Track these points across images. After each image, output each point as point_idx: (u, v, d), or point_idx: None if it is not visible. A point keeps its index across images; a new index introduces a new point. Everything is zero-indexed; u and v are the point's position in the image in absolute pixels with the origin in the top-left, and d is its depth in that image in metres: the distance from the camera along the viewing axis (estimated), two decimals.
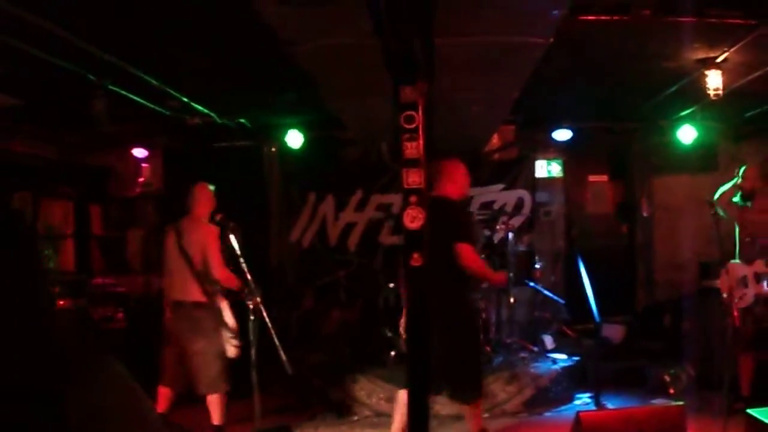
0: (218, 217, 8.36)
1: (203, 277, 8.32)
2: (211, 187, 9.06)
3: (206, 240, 8.57)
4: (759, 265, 8.75)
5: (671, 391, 10.06)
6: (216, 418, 8.43)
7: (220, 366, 8.35)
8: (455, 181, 8.40)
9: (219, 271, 8.46)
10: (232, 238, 7.87)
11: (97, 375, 2.11)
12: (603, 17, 7.53)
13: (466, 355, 8.09)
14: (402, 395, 7.82)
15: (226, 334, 8.30)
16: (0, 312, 2.01)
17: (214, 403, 8.43)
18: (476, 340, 8.60)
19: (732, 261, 8.91)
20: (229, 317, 8.50)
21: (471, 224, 8.84)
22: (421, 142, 6.71)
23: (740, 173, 9.10)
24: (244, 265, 7.81)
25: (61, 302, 9.98)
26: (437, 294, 7.52)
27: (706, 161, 13.87)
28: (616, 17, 7.56)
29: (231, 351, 8.35)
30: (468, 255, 7.92)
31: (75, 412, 1.98)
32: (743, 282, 8.73)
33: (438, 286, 7.56)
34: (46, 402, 1.98)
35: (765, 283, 8.67)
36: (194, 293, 8.38)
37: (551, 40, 7.37)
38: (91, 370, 2.11)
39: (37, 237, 2.34)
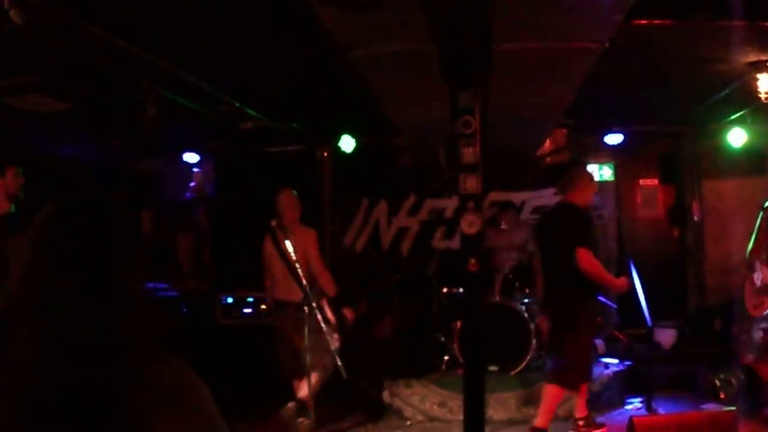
0: (273, 223, 8.41)
1: (306, 278, 8.42)
2: (294, 193, 9.34)
3: (307, 242, 8.97)
4: None
5: (722, 395, 10.00)
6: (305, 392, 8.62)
7: (328, 359, 8.47)
8: (582, 189, 8.77)
9: (321, 272, 9.05)
10: (287, 243, 7.90)
11: (165, 375, 2.16)
12: (656, 22, 7.51)
13: (580, 349, 8.49)
14: (547, 388, 8.60)
15: (328, 329, 8.39)
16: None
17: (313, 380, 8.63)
18: (591, 337, 9.13)
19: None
20: (329, 313, 8.87)
21: (591, 230, 8.97)
22: (478, 147, 6.73)
23: None
24: (299, 271, 7.85)
25: None
26: (561, 292, 8.35)
27: (756, 165, 13.75)
28: (669, 21, 7.54)
29: (335, 344, 8.48)
30: (586, 259, 8.21)
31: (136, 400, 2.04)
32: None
33: (561, 285, 8.32)
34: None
35: None
36: (297, 294, 8.47)
37: (606, 45, 7.37)
38: (160, 369, 2.16)
39: (136, 234, 2.40)
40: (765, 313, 8.44)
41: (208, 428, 2.19)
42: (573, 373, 8.55)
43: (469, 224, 6.85)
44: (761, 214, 8.75)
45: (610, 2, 6.26)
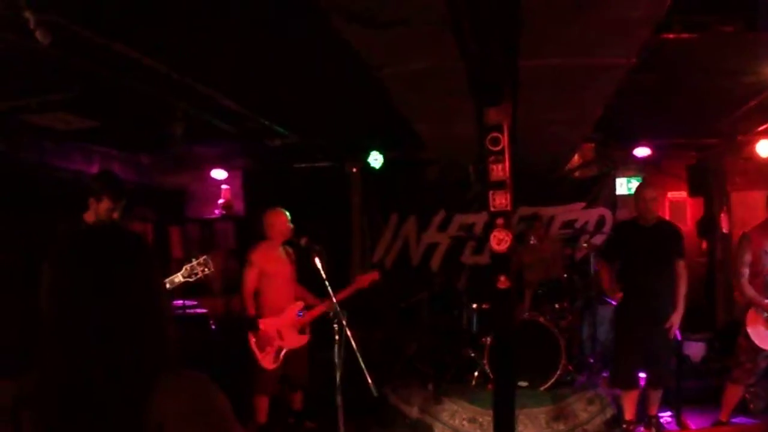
0: (303, 241, 8.43)
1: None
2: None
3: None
4: None
5: (752, 408, 9.95)
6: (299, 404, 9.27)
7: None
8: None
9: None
10: (317, 260, 7.91)
11: (185, 386, 2.21)
12: (684, 35, 7.48)
13: (671, 351, 8.90)
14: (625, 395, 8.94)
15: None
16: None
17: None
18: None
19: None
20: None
21: (609, 241, 10.00)
22: (507, 164, 6.74)
23: None
24: (329, 288, 7.86)
25: None
26: (666, 293, 8.61)
27: None
28: (696, 35, 7.51)
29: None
30: (686, 270, 8.76)
31: (155, 412, 2.09)
32: None
33: (663, 293, 8.60)
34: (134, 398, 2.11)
35: None
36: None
37: (634, 60, 7.36)
38: (180, 380, 2.21)
39: (154, 256, 2.45)
40: None
41: None
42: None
43: (499, 241, 6.86)
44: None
45: (638, 18, 6.25)
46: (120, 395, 2.11)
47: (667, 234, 8.90)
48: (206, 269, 7.26)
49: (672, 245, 8.84)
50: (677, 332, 8.73)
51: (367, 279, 9.20)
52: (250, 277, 9.13)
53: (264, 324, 9.00)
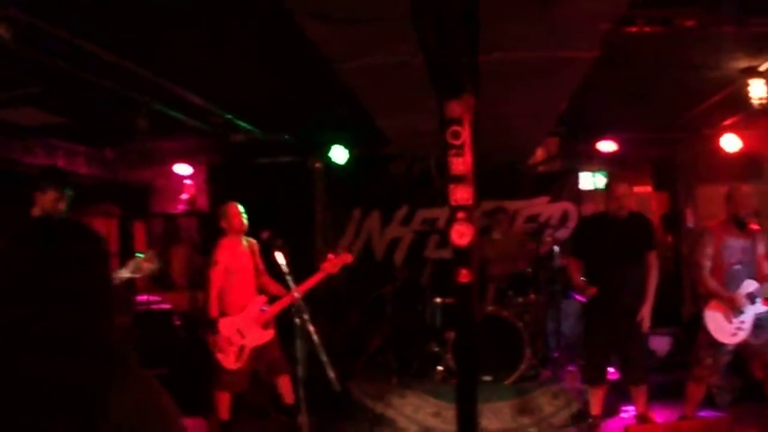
0: (265, 235, 8.40)
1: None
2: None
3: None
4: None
5: (718, 402, 9.99)
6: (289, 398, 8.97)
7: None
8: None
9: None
10: (278, 255, 7.87)
11: (134, 388, 2.18)
12: (647, 29, 7.50)
13: (646, 345, 9.06)
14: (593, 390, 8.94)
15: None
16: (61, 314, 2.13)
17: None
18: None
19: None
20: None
21: (576, 237, 9.72)
22: (468, 157, 6.72)
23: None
24: (291, 283, 7.83)
25: None
26: (637, 287, 8.58)
27: (750, 170, 13.76)
28: (659, 29, 7.52)
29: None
30: (657, 262, 8.83)
31: (112, 415, 2.06)
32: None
33: (634, 287, 8.58)
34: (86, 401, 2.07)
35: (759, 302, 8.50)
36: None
37: (596, 53, 7.37)
38: (130, 381, 2.18)
39: (106, 252, 2.40)
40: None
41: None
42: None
43: (460, 235, 6.83)
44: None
45: (599, 11, 6.26)
46: (70, 398, 2.07)
47: (638, 226, 8.91)
48: (152, 265, 7.15)
49: (643, 237, 8.86)
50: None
51: (337, 263, 9.14)
52: (216, 277, 9.03)
53: (223, 324, 8.89)
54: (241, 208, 9.23)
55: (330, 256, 9.10)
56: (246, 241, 9.27)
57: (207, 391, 9.17)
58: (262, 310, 9.03)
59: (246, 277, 9.11)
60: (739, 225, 8.61)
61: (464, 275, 6.81)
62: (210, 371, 9.04)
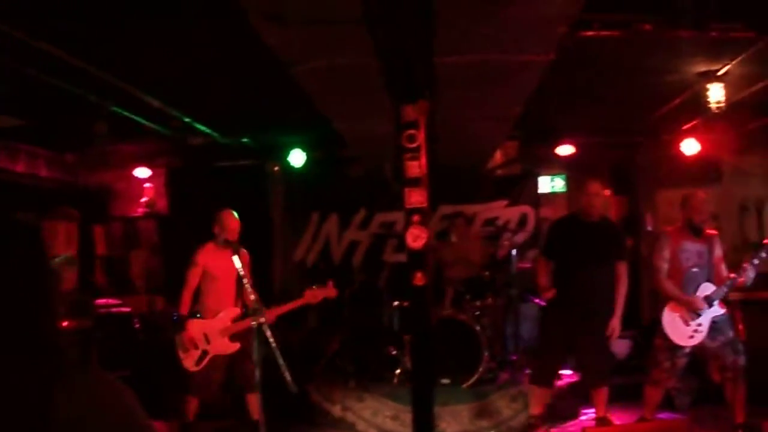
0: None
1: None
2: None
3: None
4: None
5: (677, 405, 10.03)
6: (255, 414, 8.72)
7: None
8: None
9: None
10: (235, 259, 7.83)
11: (90, 386, 2.16)
12: (604, 33, 7.52)
13: (608, 348, 8.90)
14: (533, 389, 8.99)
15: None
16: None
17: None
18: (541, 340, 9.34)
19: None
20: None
21: (547, 238, 9.60)
22: (423, 161, 6.72)
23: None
24: (248, 286, 7.79)
25: (66, 323, 9.96)
26: (602, 294, 8.55)
27: (709, 174, 13.87)
28: (616, 33, 7.55)
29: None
30: (626, 273, 8.82)
31: (61, 415, 2.03)
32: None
33: (599, 291, 8.55)
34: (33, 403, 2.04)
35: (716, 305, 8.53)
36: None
37: (552, 57, 7.37)
38: (84, 381, 2.16)
39: (44, 250, 2.37)
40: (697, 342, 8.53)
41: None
42: None
43: (415, 238, 6.86)
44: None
45: (553, 15, 6.27)
46: (17, 403, 2.05)
47: (608, 233, 8.93)
48: (70, 267, 7.08)
49: (613, 246, 8.87)
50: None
51: (319, 294, 9.10)
52: (191, 277, 8.96)
53: (191, 325, 8.82)
54: (236, 217, 9.10)
55: (314, 287, 9.03)
56: (236, 250, 9.22)
57: (167, 393, 9.12)
58: (234, 322, 8.98)
59: (226, 285, 9.00)
60: (694, 230, 8.66)
61: (419, 278, 6.83)
62: (177, 374, 9.00)
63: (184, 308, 8.92)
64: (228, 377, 9.03)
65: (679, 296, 8.52)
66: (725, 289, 8.42)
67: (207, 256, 8.97)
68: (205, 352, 8.79)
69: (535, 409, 9.03)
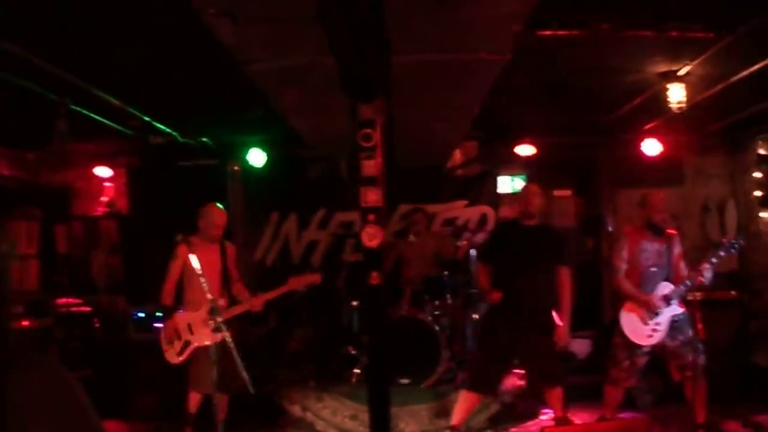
0: (179, 237, 8.29)
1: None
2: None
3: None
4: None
5: (638, 404, 10.10)
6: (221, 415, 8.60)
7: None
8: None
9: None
10: (192, 257, 7.78)
11: (42, 381, 2.19)
12: (561, 32, 7.52)
13: (554, 350, 8.58)
14: (463, 393, 8.75)
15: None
16: None
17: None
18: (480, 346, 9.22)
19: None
20: None
21: (489, 243, 9.54)
22: (379, 160, 6.74)
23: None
24: (205, 285, 7.75)
25: (26, 322, 9.92)
26: (543, 300, 8.44)
27: (671, 175, 13.95)
28: (574, 32, 7.55)
29: None
30: (570, 278, 8.63)
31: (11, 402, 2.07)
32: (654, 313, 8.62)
33: (540, 295, 8.44)
34: None
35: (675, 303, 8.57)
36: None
37: (508, 56, 7.36)
38: (36, 373, 2.19)
39: None
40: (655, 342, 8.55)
41: (82, 425, 2.24)
42: None
43: (370, 237, 6.87)
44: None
45: (506, 14, 6.27)
46: None
47: (548, 238, 8.84)
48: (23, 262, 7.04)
49: (553, 250, 8.77)
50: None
51: (303, 281, 9.08)
52: (171, 270, 8.92)
53: (177, 316, 8.79)
54: (222, 213, 9.20)
55: (292, 278, 9.02)
56: (220, 245, 9.17)
57: (128, 393, 9.07)
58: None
59: (210, 278, 8.93)
60: (653, 229, 8.71)
61: (375, 277, 6.85)
62: (138, 374, 8.96)
63: (168, 299, 8.89)
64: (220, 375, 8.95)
65: (637, 295, 8.56)
66: (684, 289, 8.44)
67: (186, 250, 8.82)
68: (187, 342, 8.71)
69: (456, 419, 8.80)
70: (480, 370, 8.80)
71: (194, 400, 8.85)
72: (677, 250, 8.75)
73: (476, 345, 9.76)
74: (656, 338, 8.48)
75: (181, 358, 8.71)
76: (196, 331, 8.70)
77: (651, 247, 8.67)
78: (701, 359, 8.38)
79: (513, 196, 13.90)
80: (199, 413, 8.94)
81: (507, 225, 9.52)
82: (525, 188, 9.10)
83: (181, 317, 8.80)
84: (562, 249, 8.82)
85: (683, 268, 8.69)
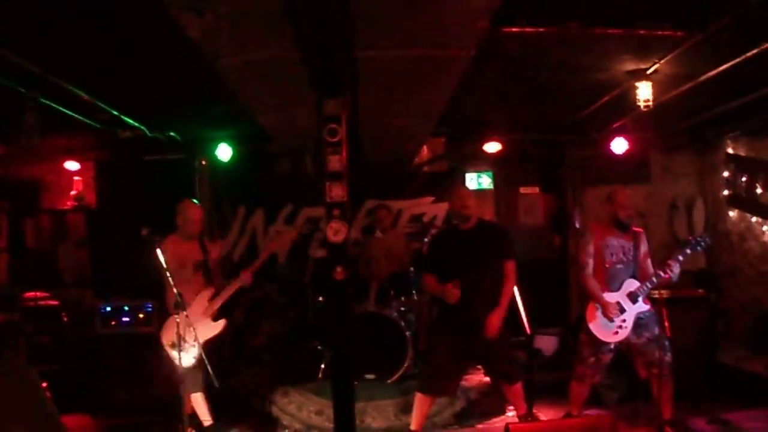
0: (144, 232, 8.22)
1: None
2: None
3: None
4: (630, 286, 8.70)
5: (605, 401, 10.14)
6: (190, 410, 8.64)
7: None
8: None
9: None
10: (158, 252, 7.76)
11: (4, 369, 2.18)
12: (529, 30, 7.52)
13: (507, 348, 8.73)
14: (417, 396, 8.63)
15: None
16: None
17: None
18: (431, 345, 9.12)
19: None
20: None
21: (429, 246, 9.52)
22: (344, 155, 6.75)
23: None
24: (171, 279, 7.72)
25: None
26: (489, 299, 8.34)
27: (638, 173, 14.05)
28: (542, 30, 7.55)
29: None
30: (514, 272, 8.62)
31: None
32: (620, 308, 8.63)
33: (486, 295, 8.37)
34: None
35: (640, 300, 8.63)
36: None
37: (473, 52, 7.35)
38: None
39: None
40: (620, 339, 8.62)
41: (42, 417, 2.23)
42: None
43: (335, 232, 6.89)
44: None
45: (472, 10, 6.27)
46: None
47: (487, 236, 8.74)
48: None
49: (495, 247, 8.68)
50: (527, 326, 8.71)
51: (283, 239, 9.09)
52: (164, 275, 8.55)
53: (173, 320, 8.36)
54: (198, 209, 9.21)
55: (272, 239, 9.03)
56: (200, 241, 9.12)
57: (95, 387, 9.03)
58: (210, 300, 8.91)
59: (189, 274, 8.90)
60: (620, 226, 8.74)
61: (339, 272, 6.87)
62: (105, 369, 8.92)
63: (172, 305, 8.54)
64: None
65: (598, 297, 8.60)
66: (649, 286, 8.52)
67: (169, 248, 8.71)
68: (195, 341, 8.46)
69: (415, 424, 8.75)
70: (432, 374, 8.73)
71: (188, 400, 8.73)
72: (644, 247, 8.79)
73: (427, 348, 9.75)
74: (621, 335, 8.54)
75: (196, 358, 8.53)
76: (200, 329, 8.53)
77: (617, 243, 8.70)
78: (668, 357, 8.48)
79: (481, 192, 14.08)
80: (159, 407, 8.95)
81: (444, 233, 9.53)
82: (454, 192, 8.98)
83: (181, 321, 8.66)
84: (506, 244, 8.75)
85: (649, 265, 8.74)
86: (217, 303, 8.84)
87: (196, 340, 8.29)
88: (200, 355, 7.92)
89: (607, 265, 8.67)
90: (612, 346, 8.67)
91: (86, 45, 7.74)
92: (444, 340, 8.65)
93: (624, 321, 8.52)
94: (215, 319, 8.84)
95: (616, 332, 8.54)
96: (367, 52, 7.10)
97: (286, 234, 8.96)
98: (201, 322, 8.65)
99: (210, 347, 8.67)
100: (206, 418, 8.86)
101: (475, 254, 8.53)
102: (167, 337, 8.68)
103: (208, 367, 7.44)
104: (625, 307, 8.53)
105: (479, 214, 8.89)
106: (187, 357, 8.37)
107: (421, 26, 6.59)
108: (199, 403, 8.81)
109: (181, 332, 8.19)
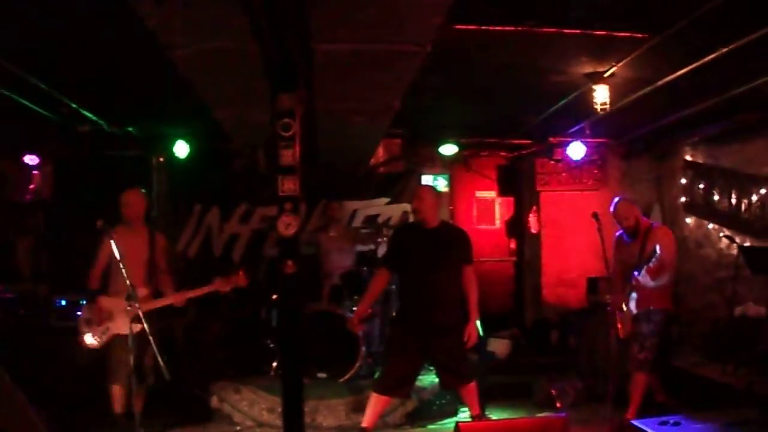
0: (99, 223, 8.17)
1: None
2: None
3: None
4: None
5: (558, 404, 10.14)
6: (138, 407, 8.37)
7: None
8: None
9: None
10: (112, 244, 7.73)
11: None
12: (485, 28, 7.52)
13: (463, 349, 8.59)
14: (372, 395, 8.56)
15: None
16: None
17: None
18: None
19: None
20: None
21: (389, 246, 9.34)
22: (297, 150, 6.76)
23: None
24: (124, 272, 7.68)
25: None
26: (449, 300, 8.40)
27: (596, 178, 14.09)
28: (498, 28, 7.55)
29: None
30: (475, 276, 8.70)
31: None
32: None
33: (444, 296, 8.39)
34: None
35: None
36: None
37: (428, 48, 7.29)
38: None
39: None
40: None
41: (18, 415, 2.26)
42: None
43: (286, 226, 6.91)
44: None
45: (428, 3, 6.27)
46: None
47: (448, 238, 8.72)
48: None
49: (454, 249, 8.67)
50: (480, 329, 8.74)
51: (229, 282, 9.01)
52: (99, 256, 8.83)
53: (101, 301, 8.67)
54: (136, 198, 9.16)
55: (218, 278, 8.96)
56: (148, 234, 9.09)
57: (49, 381, 8.96)
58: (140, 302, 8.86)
59: (132, 265, 8.59)
60: (627, 233, 9.16)
61: (289, 266, 6.87)
62: (57, 362, 8.85)
63: (94, 284, 8.82)
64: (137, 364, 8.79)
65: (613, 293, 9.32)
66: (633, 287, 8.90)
67: (115, 238, 8.73)
68: (107, 329, 8.61)
69: (367, 421, 8.68)
70: (388, 374, 8.69)
71: (116, 395, 8.71)
72: (651, 246, 8.68)
73: (384, 348, 9.66)
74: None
75: (98, 343, 8.61)
76: (116, 319, 8.60)
77: (627, 249, 9.10)
78: (643, 355, 8.80)
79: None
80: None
81: (405, 228, 9.66)
82: (415, 192, 9.15)
83: (105, 302, 8.70)
84: (465, 248, 8.75)
85: (653, 263, 8.67)
86: (142, 309, 8.64)
87: (106, 331, 8.49)
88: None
89: (622, 268, 9.12)
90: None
91: (44, 34, 7.74)
92: (400, 341, 8.61)
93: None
94: (134, 321, 8.64)
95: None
96: (322, 44, 7.08)
97: (233, 279, 8.83)
98: (120, 318, 8.54)
99: (123, 345, 8.38)
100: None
101: (437, 255, 8.50)
102: (86, 312, 8.74)
103: (160, 362, 7.39)
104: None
105: (440, 216, 8.89)
106: (89, 339, 8.57)
107: (377, 19, 6.56)
108: (116, 397, 8.72)
109: (101, 317, 8.50)
